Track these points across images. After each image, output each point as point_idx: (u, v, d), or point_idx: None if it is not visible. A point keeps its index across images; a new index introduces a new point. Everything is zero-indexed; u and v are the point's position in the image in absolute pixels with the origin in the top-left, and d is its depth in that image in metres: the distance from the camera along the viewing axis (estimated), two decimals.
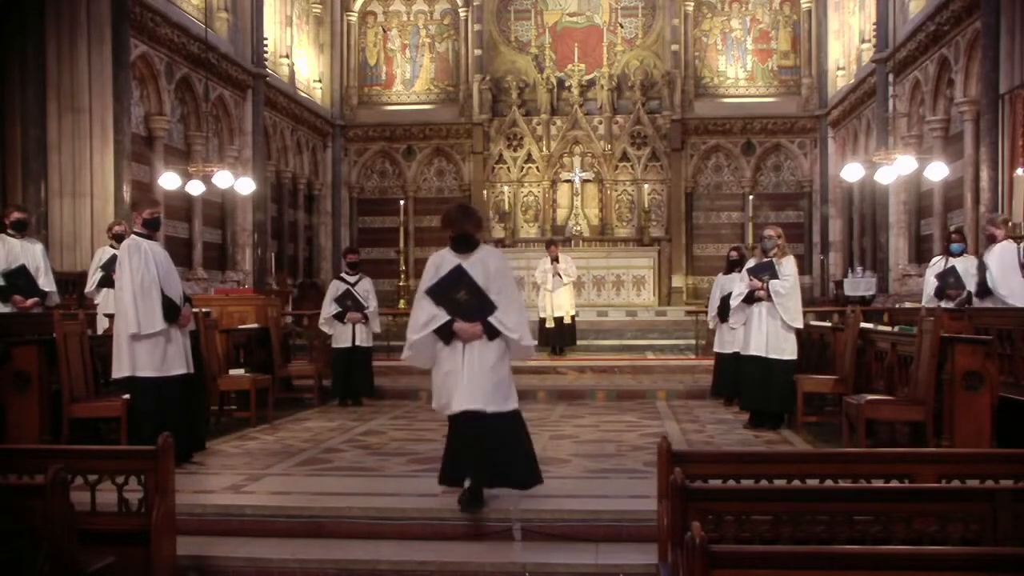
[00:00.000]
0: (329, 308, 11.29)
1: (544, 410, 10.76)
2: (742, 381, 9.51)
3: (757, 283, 9.00)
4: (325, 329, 11.50)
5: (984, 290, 9.29)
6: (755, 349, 9.08)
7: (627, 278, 21.63)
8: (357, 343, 11.21)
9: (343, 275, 11.53)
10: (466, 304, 5.73)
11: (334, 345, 11.31)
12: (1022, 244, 9.40)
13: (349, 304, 11.16)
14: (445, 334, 5.76)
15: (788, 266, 9.07)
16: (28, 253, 9.82)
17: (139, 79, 15.13)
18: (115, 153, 13.40)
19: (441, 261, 5.86)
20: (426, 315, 5.75)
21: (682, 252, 22.57)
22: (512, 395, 5.90)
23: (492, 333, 5.76)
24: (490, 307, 5.74)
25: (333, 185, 23.67)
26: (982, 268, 9.40)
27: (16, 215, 9.86)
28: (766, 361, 9.04)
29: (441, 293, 5.76)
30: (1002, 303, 9.04)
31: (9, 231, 9.70)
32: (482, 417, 5.73)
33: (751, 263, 9.36)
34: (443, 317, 5.74)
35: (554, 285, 15.54)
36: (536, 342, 6.90)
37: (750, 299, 9.06)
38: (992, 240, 9.49)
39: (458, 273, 5.79)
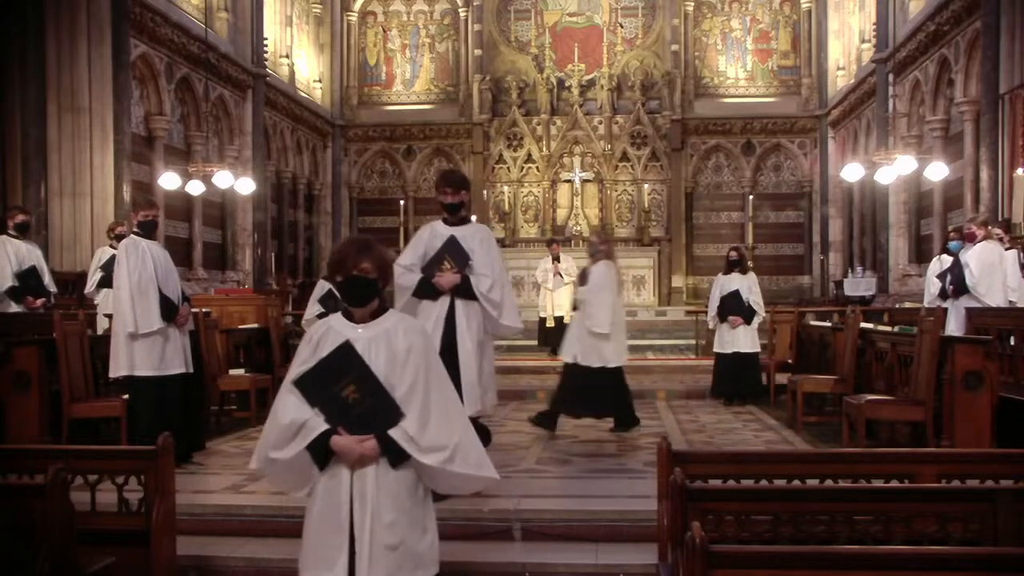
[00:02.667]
0: (312, 308, 10.54)
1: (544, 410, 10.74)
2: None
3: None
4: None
5: (961, 288, 9.30)
6: (567, 357, 9.16)
7: (627, 278, 21.57)
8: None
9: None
10: (354, 405, 3.51)
11: None
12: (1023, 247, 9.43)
13: (332, 304, 10.81)
14: (318, 453, 3.49)
15: (596, 273, 8.93)
16: (32, 255, 9.89)
17: (139, 79, 15.13)
18: (115, 153, 13.40)
19: (326, 330, 3.63)
20: (290, 418, 3.51)
21: (682, 252, 22.57)
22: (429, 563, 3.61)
23: (394, 455, 3.47)
24: (392, 413, 3.50)
25: (333, 185, 23.67)
26: (958, 266, 9.41)
27: (21, 217, 9.93)
28: (582, 369, 8.89)
29: (316, 385, 3.54)
30: (978, 302, 9.05)
31: (11, 232, 9.74)
32: None
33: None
34: (316, 426, 3.48)
35: (555, 284, 15.54)
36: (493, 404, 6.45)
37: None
38: (971, 239, 9.51)
39: (343, 354, 3.54)
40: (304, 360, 3.58)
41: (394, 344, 3.55)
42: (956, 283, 9.37)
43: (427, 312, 6.07)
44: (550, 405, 9.23)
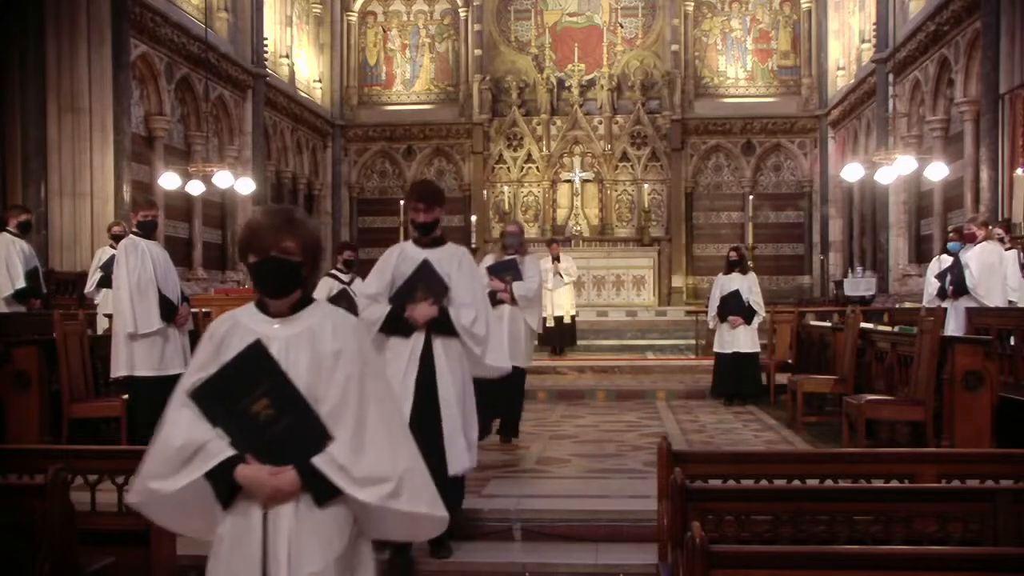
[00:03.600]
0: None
1: (544, 410, 10.76)
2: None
3: (499, 284, 8.03)
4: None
5: (961, 289, 9.30)
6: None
7: (627, 278, 21.63)
8: None
9: (335, 272, 10.05)
10: (268, 424, 2.69)
11: None
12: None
13: (344, 306, 10.40)
14: (221, 486, 2.68)
15: (533, 267, 8.25)
16: (32, 254, 9.91)
17: (139, 79, 15.13)
18: (115, 153, 13.40)
19: (232, 326, 2.83)
20: (183, 439, 2.69)
21: (682, 252, 22.56)
22: None
23: (319, 490, 2.68)
24: (316, 434, 2.68)
25: (333, 185, 23.67)
26: (958, 267, 9.41)
27: (24, 216, 9.93)
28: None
29: (217, 397, 2.72)
30: (977, 303, 9.05)
31: (10, 230, 9.72)
32: None
33: (489, 260, 8.32)
34: (217, 452, 2.68)
35: (555, 284, 15.53)
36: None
37: (492, 301, 7.69)
38: (971, 240, 9.50)
39: (253, 357, 2.74)
40: (203, 364, 2.78)
41: (320, 345, 2.76)
42: (956, 284, 9.37)
43: (397, 351, 5.07)
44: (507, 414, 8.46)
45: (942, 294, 9.73)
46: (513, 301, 8.04)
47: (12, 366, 7.21)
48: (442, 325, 5.05)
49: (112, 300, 7.56)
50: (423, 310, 5.01)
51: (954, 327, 8.78)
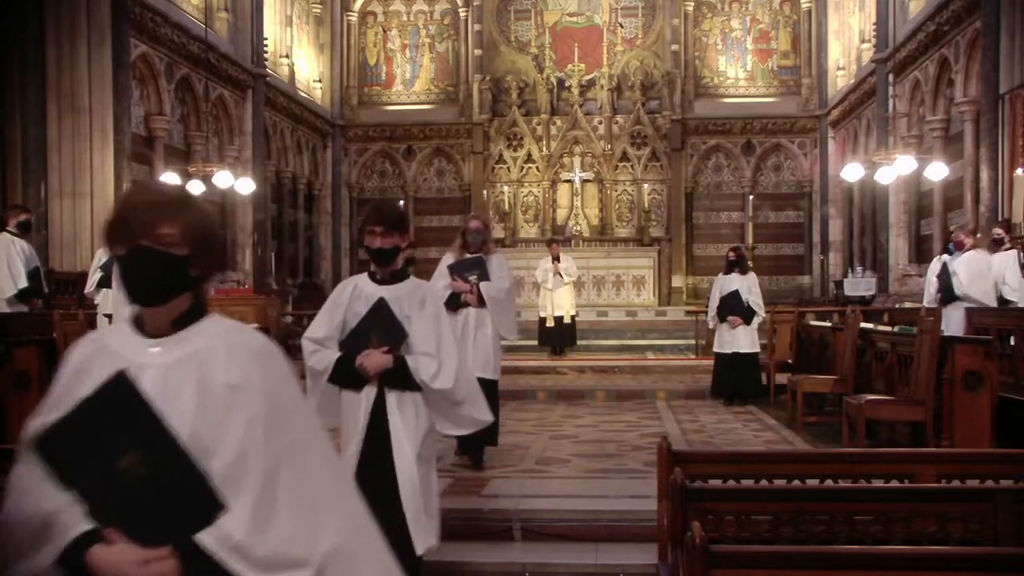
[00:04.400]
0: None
1: (544, 410, 10.76)
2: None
3: (463, 284, 7.09)
4: None
5: (949, 296, 9.30)
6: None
7: (627, 278, 21.63)
8: None
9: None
10: (137, 488, 1.90)
11: None
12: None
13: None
14: (71, 572, 1.90)
15: (502, 267, 7.31)
16: (32, 254, 9.92)
17: (139, 79, 15.13)
18: (115, 153, 13.40)
19: (94, 351, 2.15)
20: (29, 509, 1.94)
21: (682, 252, 22.56)
22: None
23: None
24: (204, 502, 1.92)
25: (333, 185, 23.67)
26: (946, 275, 9.43)
27: (25, 216, 9.95)
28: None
29: (69, 449, 1.92)
30: (976, 303, 9.07)
31: (10, 229, 9.72)
32: None
33: (450, 258, 7.31)
34: (69, 525, 1.90)
35: (555, 284, 15.54)
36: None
37: (454, 303, 7.02)
38: (960, 247, 9.52)
39: (117, 393, 1.94)
40: (55, 403, 2.00)
41: (210, 375, 1.99)
42: (944, 291, 9.40)
43: (351, 407, 4.23)
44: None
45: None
46: (480, 303, 7.10)
47: (12, 366, 7.21)
48: (398, 378, 4.16)
49: (112, 301, 7.56)
50: (375, 359, 4.13)
51: (954, 331, 8.78)
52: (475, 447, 7.19)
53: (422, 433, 4.23)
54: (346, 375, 4.22)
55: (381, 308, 4.23)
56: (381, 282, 4.33)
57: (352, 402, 4.24)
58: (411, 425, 4.20)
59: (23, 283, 9.55)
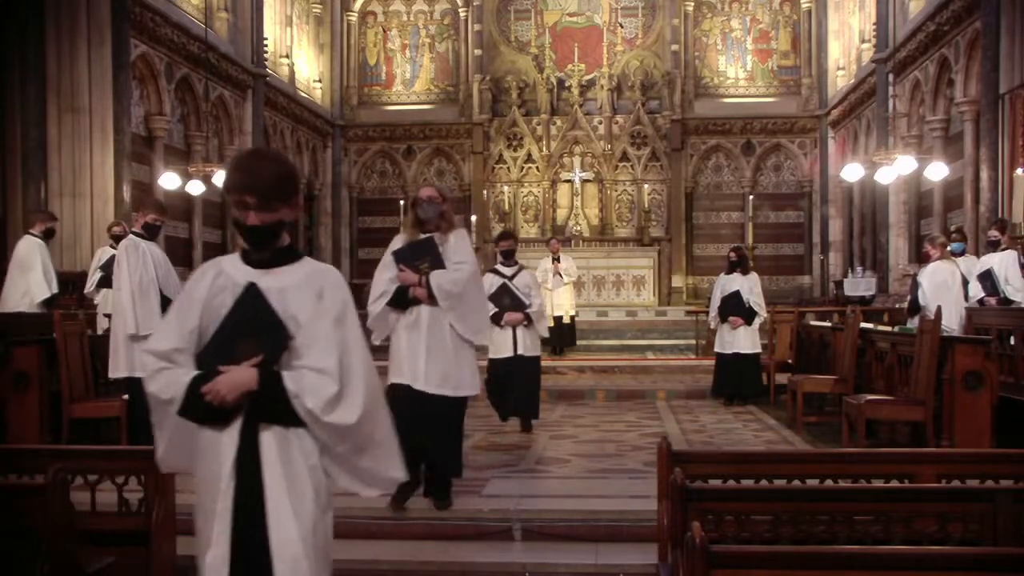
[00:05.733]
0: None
1: (544, 410, 10.73)
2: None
3: (411, 275, 5.62)
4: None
5: (914, 308, 9.28)
6: (409, 378, 5.70)
7: (627, 278, 21.63)
8: (520, 351, 8.86)
9: (497, 267, 9.17)
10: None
11: (491, 356, 8.91)
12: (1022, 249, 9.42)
13: (507, 303, 8.89)
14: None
15: (462, 248, 5.77)
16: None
17: (139, 79, 15.13)
18: (115, 153, 13.40)
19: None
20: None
21: (682, 252, 22.57)
22: None
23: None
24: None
25: (333, 185, 23.67)
26: (915, 286, 9.42)
27: (51, 224, 10.24)
28: (426, 397, 5.67)
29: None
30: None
31: (35, 233, 9.80)
32: None
33: (398, 243, 5.82)
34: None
35: (554, 284, 15.53)
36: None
37: (402, 300, 5.68)
38: (927, 259, 9.50)
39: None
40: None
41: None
42: (911, 303, 9.39)
43: (208, 456, 2.83)
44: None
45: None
46: (431, 299, 5.65)
47: (12, 366, 7.21)
48: (269, 405, 2.76)
49: (112, 300, 7.57)
50: (231, 377, 2.74)
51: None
52: (439, 484, 5.82)
53: (309, 488, 2.82)
54: (202, 405, 2.76)
55: (251, 299, 2.85)
56: (258, 264, 2.91)
57: (209, 449, 2.82)
58: (298, 474, 2.80)
59: (55, 289, 9.62)
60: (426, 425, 5.60)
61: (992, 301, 9.54)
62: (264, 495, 2.78)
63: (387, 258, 5.77)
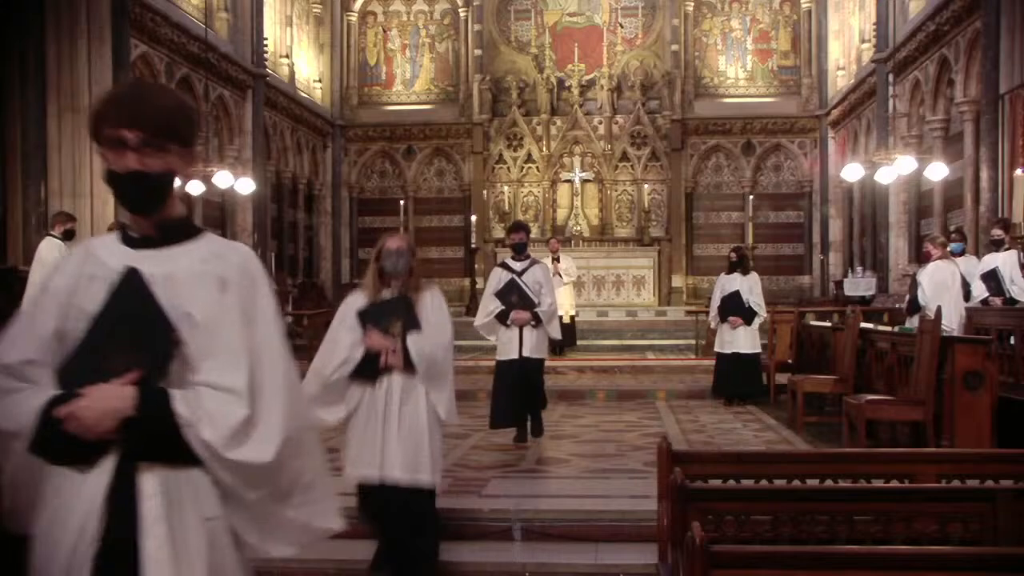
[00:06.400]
0: (490, 305, 8.26)
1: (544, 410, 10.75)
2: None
3: (382, 339, 4.71)
4: (484, 334, 8.50)
5: (914, 308, 9.28)
6: (376, 467, 4.78)
7: (627, 278, 21.63)
8: (525, 354, 8.18)
9: (507, 261, 8.56)
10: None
11: (498, 358, 8.35)
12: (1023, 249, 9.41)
13: (515, 300, 8.20)
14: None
15: (439, 308, 4.92)
16: None
17: (139, 79, 15.13)
18: None
19: None
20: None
21: (682, 252, 22.57)
22: None
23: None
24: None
25: (333, 185, 23.67)
26: (914, 286, 9.42)
27: (71, 225, 10.37)
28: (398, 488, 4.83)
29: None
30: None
31: (55, 234, 9.86)
32: None
33: (357, 299, 4.90)
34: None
35: (554, 284, 15.51)
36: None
37: (369, 369, 4.74)
38: (927, 258, 9.50)
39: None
40: None
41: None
42: (910, 303, 9.38)
43: (63, 507, 2.04)
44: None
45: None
46: (408, 367, 4.75)
47: None
48: (153, 436, 2.01)
49: None
50: (98, 397, 1.98)
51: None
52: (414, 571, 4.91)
53: (201, 546, 2.03)
54: (60, 437, 1.97)
55: (129, 290, 2.08)
56: (141, 244, 2.15)
57: (63, 502, 2.04)
58: (193, 550, 2.02)
59: None
60: (400, 520, 4.82)
61: (997, 301, 9.52)
62: (140, 567, 1.95)
63: (348, 318, 4.82)
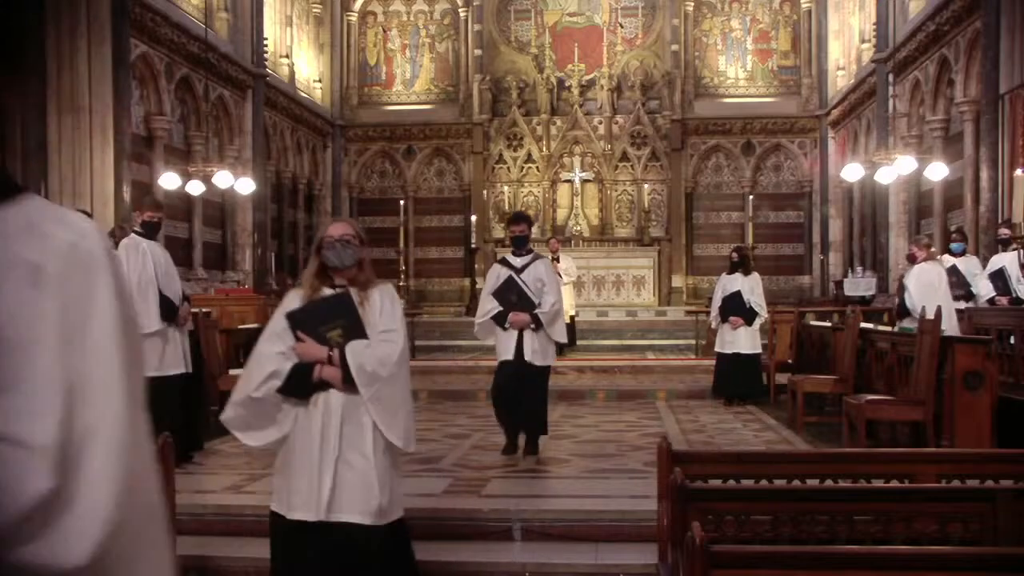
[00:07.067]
0: (487, 305, 7.54)
1: None
2: None
3: (316, 348, 3.77)
4: (481, 338, 7.94)
5: (902, 311, 9.23)
6: (313, 508, 3.78)
7: (627, 278, 21.63)
8: (526, 358, 7.39)
9: (507, 256, 7.75)
10: None
11: (500, 358, 7.58)
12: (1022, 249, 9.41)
13: (514, 300, 7.40)
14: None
15: (390, 310, 3.94)
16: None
17: (139, 79, 15.12)
18: (115, 153, 13.40)
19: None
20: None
21: (682, 252, 22.57)
22: None
23: None
24: None
25: (333, 185, 23.67)
26: (902, 289, 9.39)
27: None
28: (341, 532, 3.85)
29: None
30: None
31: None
32: None
33: (293, 300, 3.96)
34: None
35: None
36: None
37: (301, 385, 3.79)
38: (912, 260, 9.44)
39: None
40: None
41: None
42: (899, 306, 9.33)
43: None
44: None
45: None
46: (347, 384, 3.77)
47: None
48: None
49: None
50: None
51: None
52: None
53: None
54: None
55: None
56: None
57: None
58: None
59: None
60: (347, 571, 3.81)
61: (1004, 301, 9.51)
62: None
63: (277, 323, 3.89)
